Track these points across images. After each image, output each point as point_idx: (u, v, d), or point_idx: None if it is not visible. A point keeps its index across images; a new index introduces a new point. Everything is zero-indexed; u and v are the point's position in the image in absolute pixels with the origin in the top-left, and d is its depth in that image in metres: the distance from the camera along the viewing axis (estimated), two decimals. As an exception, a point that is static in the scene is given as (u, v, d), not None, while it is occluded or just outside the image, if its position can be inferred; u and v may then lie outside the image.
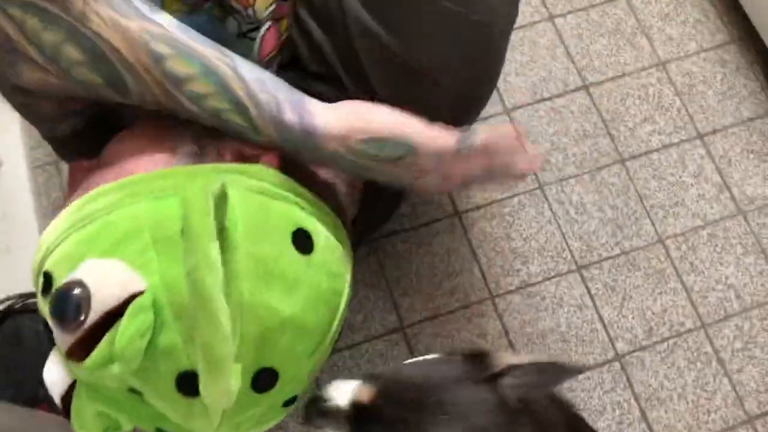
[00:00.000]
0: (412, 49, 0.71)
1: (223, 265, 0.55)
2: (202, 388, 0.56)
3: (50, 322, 0.60)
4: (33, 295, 1.00)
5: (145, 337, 0.57)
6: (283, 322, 0.61)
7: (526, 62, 1.24)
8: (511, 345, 1.08)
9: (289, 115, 0.65)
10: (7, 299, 0.98)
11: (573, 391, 1.06)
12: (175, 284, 0.58)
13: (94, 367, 0.58)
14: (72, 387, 0.66)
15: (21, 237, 1.10)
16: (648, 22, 1.28)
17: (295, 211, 0.66)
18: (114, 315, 0.57)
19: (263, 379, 0.62)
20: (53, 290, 0.60)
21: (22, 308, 0.98)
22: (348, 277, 0.71)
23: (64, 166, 1.15)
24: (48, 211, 1.14)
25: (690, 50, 1.26)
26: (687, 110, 1.23)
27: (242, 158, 0.68)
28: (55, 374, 0.65)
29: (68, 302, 0.58)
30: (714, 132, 1.22)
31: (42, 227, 1.12)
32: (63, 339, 0.60)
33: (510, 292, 1.10)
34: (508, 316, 1.09)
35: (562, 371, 0.66)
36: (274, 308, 0.60)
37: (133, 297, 0.57)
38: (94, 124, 0.78)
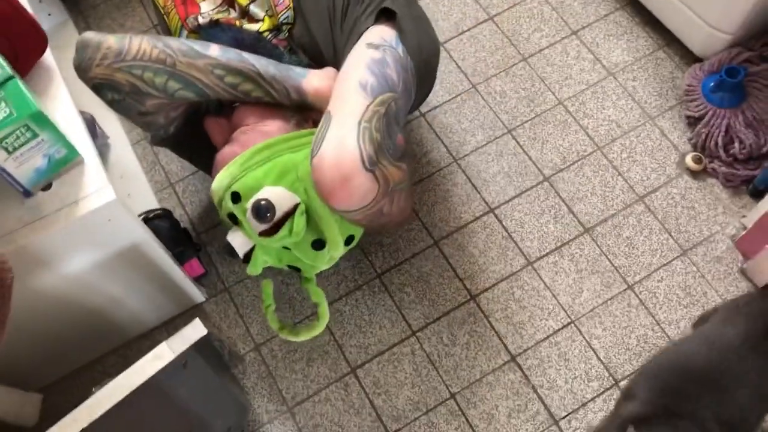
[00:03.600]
0: None
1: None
2: (332, 252, 1.19)
3: (251, 219, 1.13)
4: (152, 210, 1.51)
5: (304, 225, 1.15)
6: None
7: (446, 8, 1.80)
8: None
9: (294, 95, 1.21)
10: (141, 215, 1.50)
11: (520, 205, 1.57)
12: (312, 201, 1.14)
13: (280, 240, 1.15)
14: (251, 249, 1.23)
15: (135, 186, 1.63)
16: (525, -32, 1.85)
17: None
18: (284, 216, 1.13)
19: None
20: (250, 202, 1.12)
21: (152, 216, 1.50)
22: None
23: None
24: (148, 169, 1.67)
25: (556, -21, 1.83)
26: (562, 18, 1.79)
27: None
28: (240, 241, 1.21)
29: (262, 208, 1.12)
30: (583, 28, 1.77)
31: (149, 179, 1.65)
32: (258, 227, 1.14)
33: (467, 155, 1.63)
34: (467, 173, 1.61)
35: None
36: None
37: (295, 206, 1.13)
38: (186, 122, 1.31)
